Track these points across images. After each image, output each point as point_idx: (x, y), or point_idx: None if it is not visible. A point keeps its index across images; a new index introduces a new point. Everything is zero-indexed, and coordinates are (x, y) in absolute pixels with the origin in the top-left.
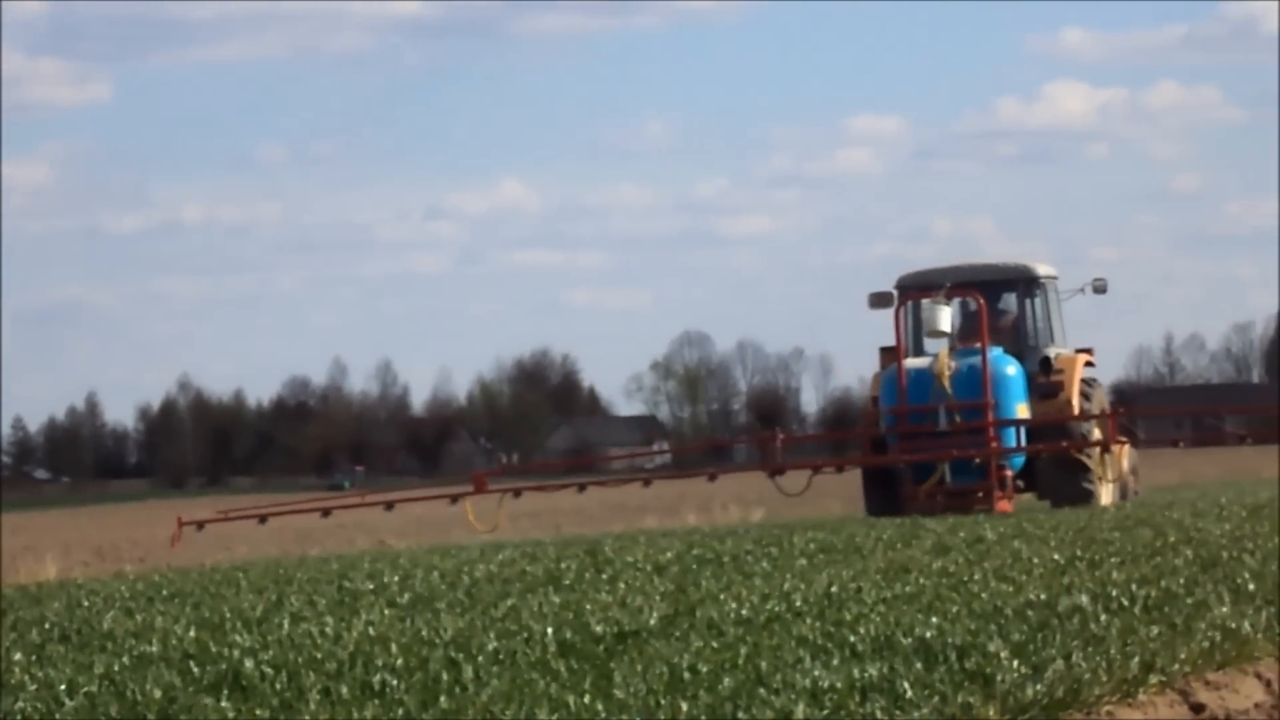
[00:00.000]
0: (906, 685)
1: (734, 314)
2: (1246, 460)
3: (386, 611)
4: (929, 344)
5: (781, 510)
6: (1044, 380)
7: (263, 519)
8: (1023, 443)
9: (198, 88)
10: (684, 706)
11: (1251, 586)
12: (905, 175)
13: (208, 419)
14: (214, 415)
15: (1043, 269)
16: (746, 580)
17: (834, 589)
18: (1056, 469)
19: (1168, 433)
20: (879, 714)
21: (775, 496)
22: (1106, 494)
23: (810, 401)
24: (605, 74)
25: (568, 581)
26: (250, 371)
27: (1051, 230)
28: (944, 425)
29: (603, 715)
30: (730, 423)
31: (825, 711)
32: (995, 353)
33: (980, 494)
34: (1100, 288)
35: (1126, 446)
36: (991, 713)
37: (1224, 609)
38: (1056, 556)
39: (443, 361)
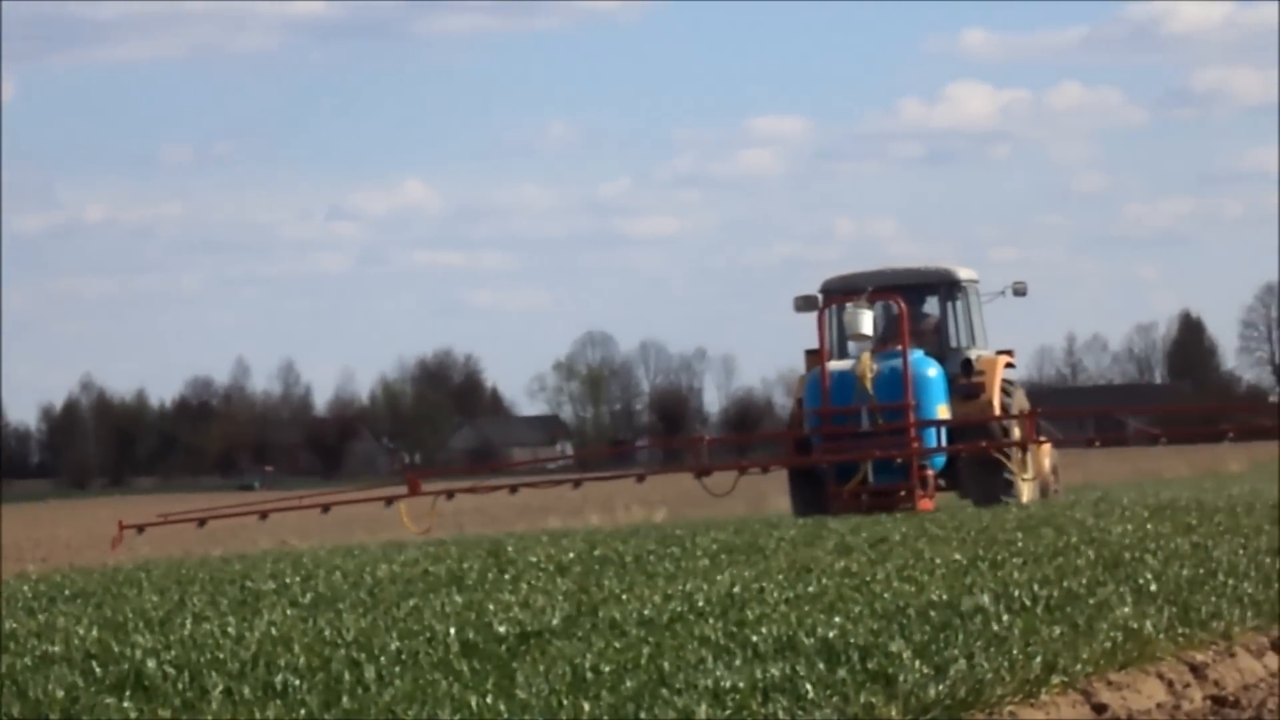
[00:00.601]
0: (809, 685)
1: (637, 314)
2: (1151, 460)
3: (289, 612)
4: (852, 347)
5: (684, 510)
6: (965, 382)
7: (202, 522)
8: (944, 443)
9: (101, 88)
10: (586, 707)
11: (1153, 587)
12: (808, 176)
13: (110, 419)
14: (116, 415)
15: (964, 273)
16: (649, 580)
17: (736, 589)
18: (977, 468)
19: (1072, 433)
20: (781, 714)
21: (678, 497)
22: (1027, 492)
23: (713, 402)
24: (507, 75)
25: (470, 582)
26: (153, 371)
27: (954, 231)
28: (867, 426)
29: (505, 715)
30: (633, 423)
31: (728, 712)
32: (916, 355)
33: (903, 493)
34: (1020, 290)
35: (1047, 446)
36: (894, 713)
37: (1126, 609)
38: (959, 557)
39: (345, 361)
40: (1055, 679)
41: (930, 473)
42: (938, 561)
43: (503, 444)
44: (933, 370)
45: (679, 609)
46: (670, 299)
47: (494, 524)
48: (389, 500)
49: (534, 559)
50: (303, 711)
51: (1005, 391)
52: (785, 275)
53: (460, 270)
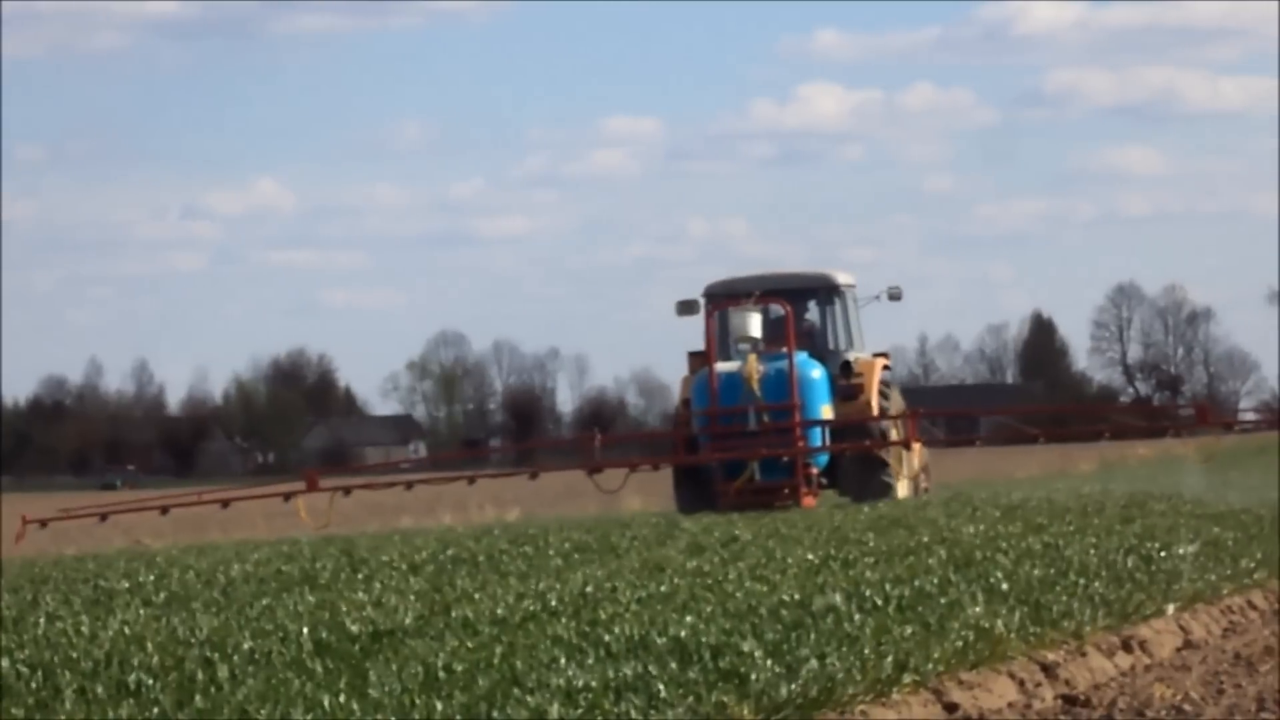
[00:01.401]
0: (661, 685)
1: (490, 314)
2: (1002, 460)
3: (142, 611)
4: (738, 349)
5: (537, 510)
6: (845, 383)
7: (103, 516)
8: (827, 442)
9: None
10: (439, 706)
11: (1004, 586)
12: (660, 176)
13: None
14: None
15: (843, 277)
16: (502, 580)
17: (589, 588)
18: (858, 466)
19: (925, 433)
20: (634, 713)
21: (532, 496)
22: (903, 489)
23: (566, 401)
24: (361, 74)
25: (323, 581)
26: (6, 370)
27: (807, 231)
28: (753, 425)
29: (358, 715)
30: (486, 423)
31: (580, 711)
32: (801, 357)
33: (787, 490)
34: (895, 295)
35: (918, 446)
36: (746, 712)
37: (977, 609)
38: (810, 556)
39: (199, 361)
40: (907, 678)
41: (814, 471)
42: (789, 561)
43: (356, 444)
44: (817, 372)
45: (532, 608)
46: (523, 299)
47: (346, 524)
48: (287, 496)
49: (387, 558)
50: (156, 710)
51: (882, 393)
52: (638, 275)
53: (314, 269)
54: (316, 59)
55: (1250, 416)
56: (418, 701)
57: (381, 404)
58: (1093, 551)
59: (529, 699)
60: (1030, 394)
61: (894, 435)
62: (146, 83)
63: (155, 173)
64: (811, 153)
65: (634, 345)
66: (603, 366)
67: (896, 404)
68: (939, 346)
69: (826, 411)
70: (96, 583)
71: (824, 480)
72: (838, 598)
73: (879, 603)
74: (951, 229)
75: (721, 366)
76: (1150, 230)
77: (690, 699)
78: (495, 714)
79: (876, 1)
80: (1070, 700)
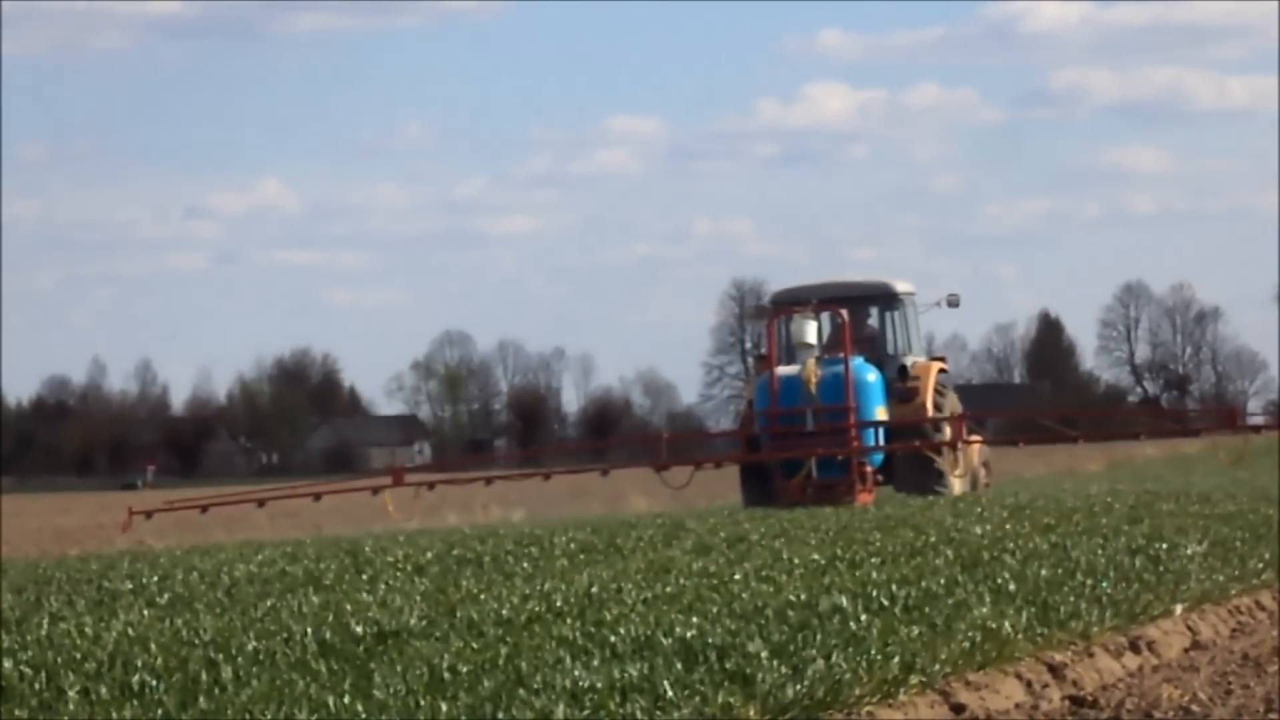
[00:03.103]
0: (667, 685)
1: (494, 314)
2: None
3: (146, 612)
4: (798, 353)
5: (543, 511)
6: (901, 386)
7: (204, 509)
8: (881, 442)
9: None
10: (444, 707)
11: (1012, 587)
12: (664, 176)
13: None
14: None
15: (901, 286)
16: (507, 580)
17: (594, 589)
18: (912, 465)
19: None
20: (639, 714)
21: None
22: (957, 486)
23: (571, 401)
24: (364, 74)
25: (328, 582)
26: (8, 370)
27: (812, 230)
28: (811, 426)
29: (362, 716)
30: (491, 422)
31: (585, 712)
32: (857, 362)
33: (843, 487)
34: (953, 302)
35: (978, 444)
36: (752, 713)
37: (984, 609)
38: (817, 557)
39: (202, 361)
40: (913, 679)
41: (869, 469)
42: (796, 561)
43: (360, 444)
44: (872, 375)
45: (537, 609)
46: (528, 298)
47: (351, 524)
48: (375, 490)
49: (392, 559)
50: (160, 712)
51: (939, 393)
52: (643, 275)
53: (317, 269)
54: (319, 58)
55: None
56: (423, 702)
57: (386, 404)
58: (1100, 552)
59: (534, 700)
60: (1037, 394)
61: (948, 435)
62: (148, 82)
63: (158, 172)
64: (816, 152)
65: (639, 345)
66: (608, 366)
67: (952, 405)
68: (945, 346)
69: (881, 413)
70: (100, 584)
71: (879, 478)
72: (844, 598)
73: (885, 603)
74: (957, 228)
75: (782, 370)
76: (1156, 229)
77: (696, 700)
78: (500, 715)
79: (881, 1)
80: (1078, 701)
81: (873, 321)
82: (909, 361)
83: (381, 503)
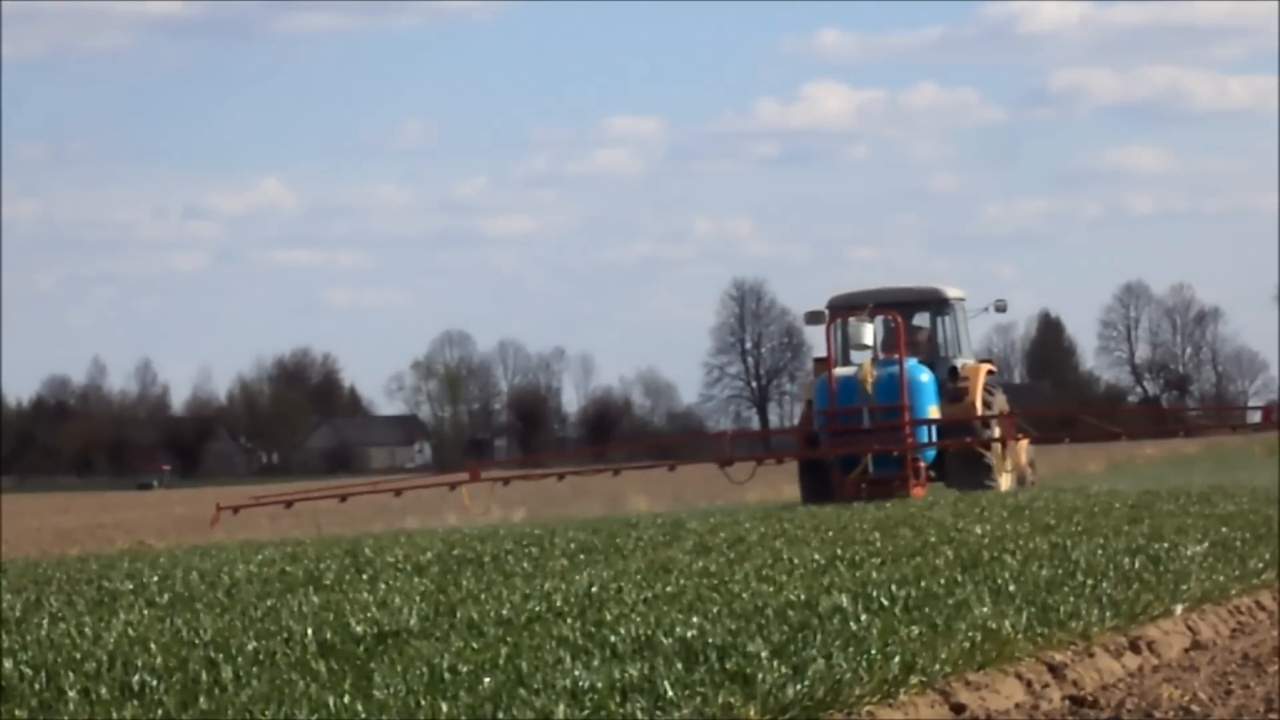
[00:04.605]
0: (667, 685)
1: (495, 314)
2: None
3: (146, 612)
4: (855, 355)
5: (542, 511)
6: (952, 386)
7: (289, 504)
8: (933, 438)
9: None
10: (444, 707)
11: (1012, 587)
12: (664, 175)
13: None
14: None
15: (952, 291)
16: (507, 580)
17: (594, 589)
18: (962, 461)
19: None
20: (640, 714)
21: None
22: (1005, 481)
23: (571, 401)
24: (363, 73)
25: (328, 582)
26: (8, 370)
27: (811, 230)
28: (867, 424)
29: (362, 716)
30: (491, 422)
31: (586, 712)
32: (911, 363)
33: (898, 482)
34: (1001, 307)
35: (1025, 442)
36: (752, 713)
37: (984, 609)
38: (817, 557)
39: (202, 361)
40: (913, 679)
41: (922, 464)
42: (796, 561)
43: (361, 444)
44: (925, 376)
45: (537, 609)
46: (528, 298)
47: (351, 524)
48: (452, 485)
49: (391, 559)
50: (160, 712)
51: (988, 393)
52: (643, 275)
53: (317, 269)
54: (318, 58)
55: None
56: (423, 702)
57: (386, 404)
58: (1100, 552)
59: (534, 700)
60: (1038, 393)
61: (997, 433)
62: (148, 82)
63: (157, 172)
64: (816, 152)
65: (639, 345)
66: (608, 366)
67: (1000, 405)
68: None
69: (934, 411)
70: (100, 583)
71: (932, 473)
72: (844, 598)
73: (885, 603)
74: (957, 228)
75: (840, 371)
76: (1156, 229)
77: (696, 700)
78: (500, 715)
79: (879, 1)
80: (1078, 701)
81: (925, 325)
82: (959, 363)
83: (460, 496)
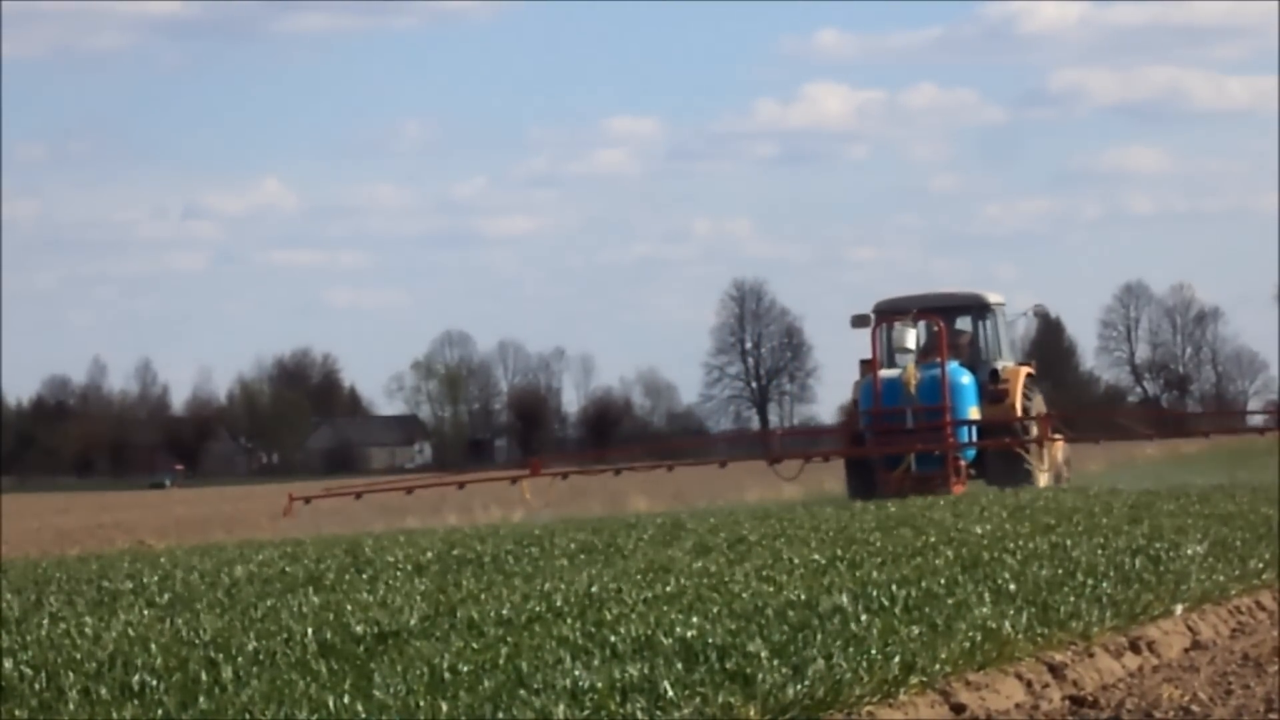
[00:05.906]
0: (667, 685)
1: (494, 314)
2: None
3: (146, 612)
4: (899, 358)
5: (542, 511)
6: (992, 388)
7: (358, 495)
8: (974, 438)
9: None
10: (444, 707)
11: (1012, 587)
12: (663, 176)
13: None
14: None
15: (993, 297)
16: (507, 580)
17: (595, 589)
18: (1002, 459)
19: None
20: (640, 714)
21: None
22: (1043, 480)
23: (571, 401)
24: (363, 74)
25: (328, 582)
26: (8, 370)
27: (811, 230)
28: (911, 424)
29: (362, 716)
30: (491, 422)
31: (586, 712)
32: (953, 365)
33: (940, 479)
34: (1040, 313)
35: (1061, 442)
36: (752, 713)
37: (984, 609)
38: (817, 557)
39: (203, 361)
40: (914, 679)
41: (963, 463)
42: (796, 561)
43: (361, 444)
44: (966, 378)
45: (537, 609)
46: (527, 298)
47: (351, 524)
48: (514, 480)
49: (392, 559)
50: (160, 712)
51: (1026, 395)
52: (642, 275)
53: (317, 269)
54: (318, 59)
55: None
56: (423, 703)
57: (386, 404)
58: (1100, 552)
59: (534, 700)
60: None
61: (1035, 434)
62: (147, 82)
63: (157, 172)
64: (816, 152)
65: (639, 345)
66: (608, 366)
67: (1039, 406)
68: None
69: (974, 412)
70: (100, 584)
71: (972, 471)
72: (844, 598)
73: (886, 603)
74: (956, 229)
75: (884, 373)
76: (1156, 229)
77: (696, 700)
78: (501, 715)
79: (878, 1)
80: (1078, 701)
81: (967, 329)
82: (999, 365)
83: (520, 490)
